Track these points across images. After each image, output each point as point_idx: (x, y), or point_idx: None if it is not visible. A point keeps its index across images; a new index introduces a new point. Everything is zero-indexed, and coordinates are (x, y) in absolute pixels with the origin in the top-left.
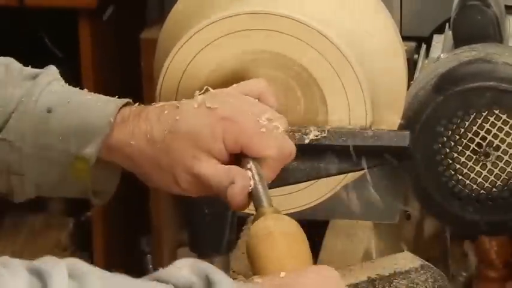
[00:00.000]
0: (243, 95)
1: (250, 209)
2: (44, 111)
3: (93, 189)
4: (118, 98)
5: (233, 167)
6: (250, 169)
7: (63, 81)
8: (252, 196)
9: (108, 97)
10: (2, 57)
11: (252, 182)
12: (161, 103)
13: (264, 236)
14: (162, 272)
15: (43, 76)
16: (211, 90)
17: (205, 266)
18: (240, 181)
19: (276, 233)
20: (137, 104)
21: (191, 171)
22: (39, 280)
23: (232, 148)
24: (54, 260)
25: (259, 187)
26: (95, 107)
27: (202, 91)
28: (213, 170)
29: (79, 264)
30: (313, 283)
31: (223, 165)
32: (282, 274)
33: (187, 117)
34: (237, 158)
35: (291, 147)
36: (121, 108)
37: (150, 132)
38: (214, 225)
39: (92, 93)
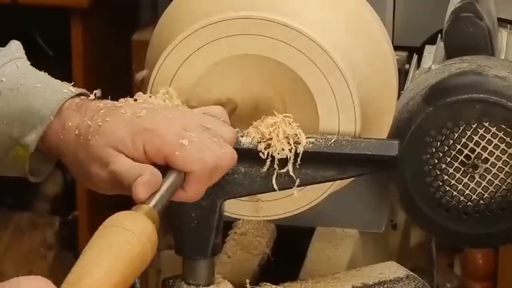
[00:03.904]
0: (180, 108)
1: (237, 213)
2: None
3: (30, 169)
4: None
5: (148, 165)
6: (167, 177)
7: (24, 58)
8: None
9: (62, 84)
10: None
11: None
12: (106, 101)
13: (109, 227)
14: None
15: None
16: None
17: None
18: (147, 175)
19: (115, 228)
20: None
21: (107, 168)
22: None
23: (155, 159)
24: None
25: (161, 192)
26: (43, 95)
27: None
28: (128, 166)
29: None
30: None
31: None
32: None
33: (114, 121)
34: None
35: (223, 156)
36: (68, 99)
37: (79, 127)
38: (199, 228)
39: (48, 79)
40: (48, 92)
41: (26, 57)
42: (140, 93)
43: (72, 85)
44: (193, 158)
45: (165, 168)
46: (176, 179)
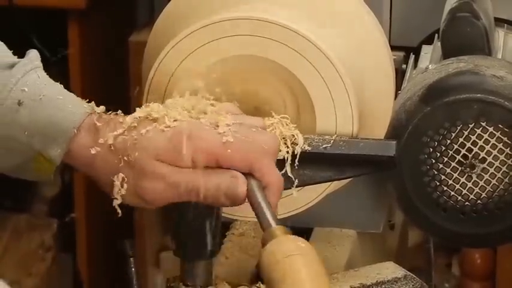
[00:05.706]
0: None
1: (235, 214)
2: (15, 103)
3: None
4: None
5: (216, 169)
6: (250, 184)
7: (41, 67)
8: (257, 214)
9: (81, 100)
10: None
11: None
12: (135, 115)
13: (285, 259)
14: None
15: (20, 66)
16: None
17: None
18: (239, 175)
19: (296, 256)
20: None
21: (165, 181)
22: None
23: (206, 164)
24: None
25: (263, 204)
26: (65, 108)
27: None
28: (196, 174)
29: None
30: None
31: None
32: None
33: (151, 134)
34: None
35: (269, 141)
36: (90, 113)
37: (114, 142)
38: (198, 230)
39: (67, 91)
40: (70, 105)
41: (42, 66)
42: (169, 100)
43: (70, 86)
44: (245, 148)
45: None
46: (256, 185)
